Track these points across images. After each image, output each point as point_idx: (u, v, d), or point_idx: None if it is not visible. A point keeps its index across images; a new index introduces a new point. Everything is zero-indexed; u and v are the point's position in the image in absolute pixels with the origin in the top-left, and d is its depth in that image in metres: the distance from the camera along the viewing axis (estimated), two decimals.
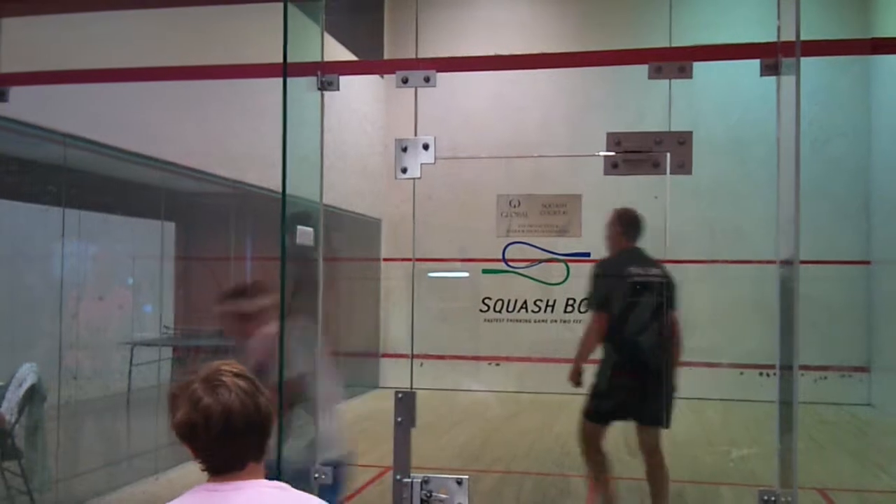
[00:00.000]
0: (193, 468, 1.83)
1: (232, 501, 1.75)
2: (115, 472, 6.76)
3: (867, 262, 11.01)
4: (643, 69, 2.93)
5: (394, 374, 11.56)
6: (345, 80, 2.97)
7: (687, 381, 10.91)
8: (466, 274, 11.46)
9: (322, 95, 2.93)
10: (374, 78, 11.58)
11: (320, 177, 2.94)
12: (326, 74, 2.89)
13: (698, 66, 2.98)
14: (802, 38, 2.56)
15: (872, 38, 10.23)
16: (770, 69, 2.74)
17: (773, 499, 2.76)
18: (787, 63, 2.65)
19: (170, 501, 1.78)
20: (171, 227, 8.55)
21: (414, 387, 2.94)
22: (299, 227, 2.96)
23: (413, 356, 3.40)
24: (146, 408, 8.38)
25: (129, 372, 8.25)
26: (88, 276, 8.04)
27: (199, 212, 8.90)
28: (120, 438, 7.71)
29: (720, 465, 7.37)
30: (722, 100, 10.59)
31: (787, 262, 2.85)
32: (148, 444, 7.38)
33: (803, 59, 2.57)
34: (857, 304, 11.02)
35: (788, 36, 2.60)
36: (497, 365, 11.62)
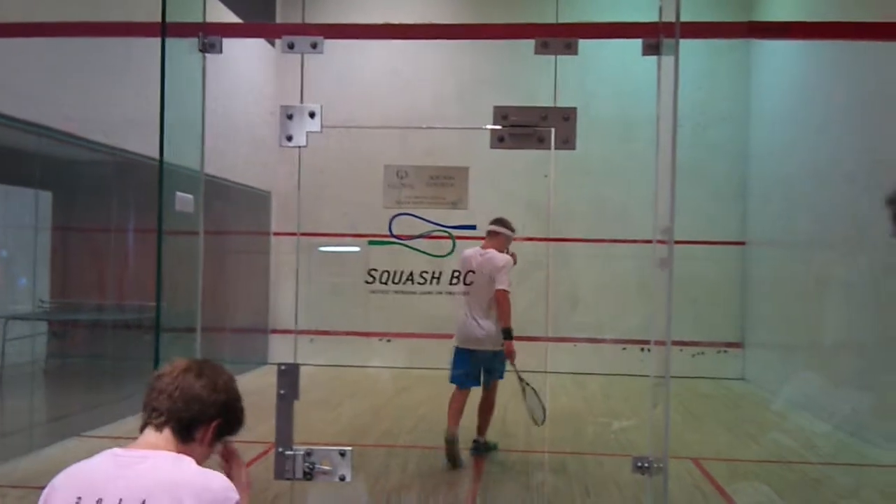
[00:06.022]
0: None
1: (134, 468, 1.83)
2: None
3: (742, 243, 11.54)
4: (533, 45, 2.94)
5: (283, 350, 11.38)
6: (235, 47, 2.90)
7: (572, 357, 11.20)
8: (357, 249, 11.37)
9: (204, 58, 2.83)
10: (267, 47, 11.29)
11: (201, 143, 2.84)
12: (209, 36, 2.79)
13: (589, 46, 3.01)
14: (683, 20, 2.64)
15: (749, 22, 10.67)
16: (651, 49, 2.81)
17: (646, 465, 2.88)
18: (667, 44, 2.72)
19: (80, 461, 1.87)
20: (46, 196, 8.13)
21: (305, 363, 2.91)
22: (178, 193, 2.87)
23: (298, 331, 3.36)
24: (20, 383, 8.00)
25: (3, 347, 7.86)
26: None
27: (77, 180, 8.48)
28: None
29: (602, 436, 7.61)
30: (611, 80, 10.83)
31: (663, 242, 2.94)
32: (22, 421, 7.05)
33: (686, 44, 2.64)
34: (732, 283, 11.56)
35: (670, 17, 2.67)
36: (388, 341, 11.62)
